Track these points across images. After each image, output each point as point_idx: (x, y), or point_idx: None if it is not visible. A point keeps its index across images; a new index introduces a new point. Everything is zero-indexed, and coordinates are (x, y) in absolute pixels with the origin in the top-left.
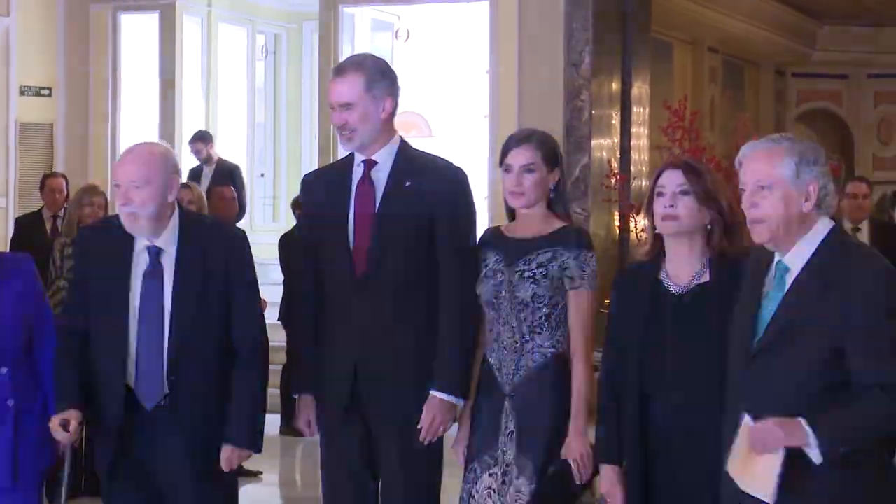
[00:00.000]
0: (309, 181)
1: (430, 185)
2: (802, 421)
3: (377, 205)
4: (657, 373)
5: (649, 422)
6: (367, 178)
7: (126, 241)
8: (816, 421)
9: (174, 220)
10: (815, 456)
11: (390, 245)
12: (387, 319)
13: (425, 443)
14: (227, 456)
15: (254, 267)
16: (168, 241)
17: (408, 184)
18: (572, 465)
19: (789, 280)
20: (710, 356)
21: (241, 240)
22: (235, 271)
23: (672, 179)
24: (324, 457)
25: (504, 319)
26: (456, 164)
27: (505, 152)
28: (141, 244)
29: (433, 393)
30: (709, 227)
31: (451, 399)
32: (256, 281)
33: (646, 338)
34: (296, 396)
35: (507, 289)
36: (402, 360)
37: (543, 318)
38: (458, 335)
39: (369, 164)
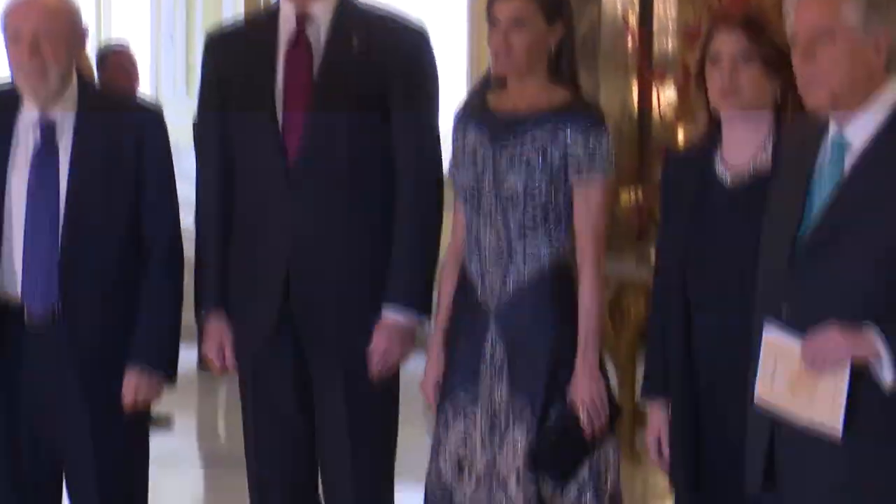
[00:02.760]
0: (215, 40)
1: (383, 44)
2: (872, 330)
3: (315, 71)
4: (704, 279)
5: (693, 341)
6: (300, 37)
7: (4, 116)
8: (888, 331)
9: (72, 90)
10: (887, 377)
11: (333, 123)
12: (330, 218)
13: (377, 376)
14: (133, 384)
15: (170, 152)
16: (65, 114)
17: (355, 42)
18: (581, 413)
19: (850, 158)
20: None
21: (158, 118)
22: (149, 155)
23: (729, 44)
24: (245, 398)
25: (486, 218)
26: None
27: (490, 1)
28: (29, 118)
29: (386, 312)
30: (779, 99)
31: (410, 318)
32: (172, 169)
33: (690, 237)
34: (203, 315)
35: (491, 177)
36: (349, 271)
37: (538, 214)
38: (417, 235)
39: (302, 19)
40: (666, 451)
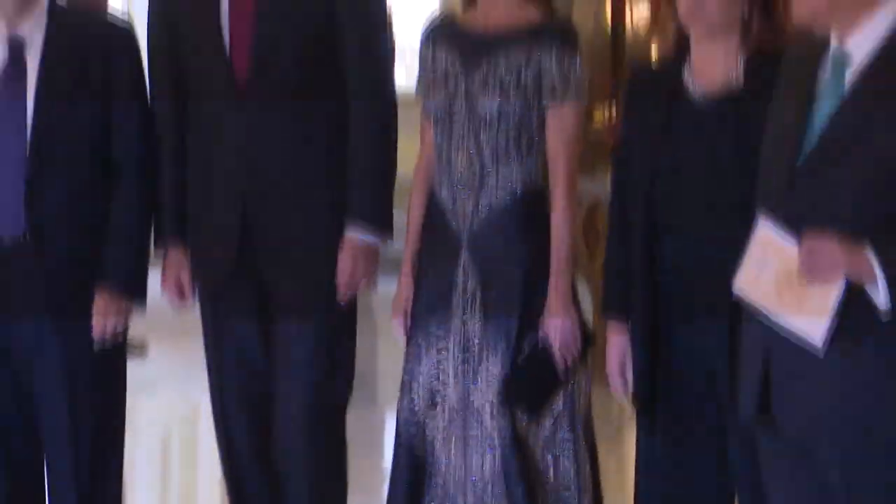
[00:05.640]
0: None
1: None
2: (868, 250)
3: None
4: (671, 198)
5: (660, 262)
6: None
7: None
8: (886, 252)
9: (41, 5)
10: (880, 299)
11: (281, 38)
12: (283, 138)
13: (345, 298)
14: (102, 308)
15: (143, 70)
16: (34, 32)
17: None
18: (554, 347)
19: (851, 73)
20: (738, 179)
21: (128, 35)
22: (118, 72)
23: None
24: (206, 339)
25: (458, 141)
26: None
27: None
28: None
29: (350, 233)
30: (745, 16)
31: (373, 239)
32: (144, 87)
33: (658, 155)
34: (160, 250)
35: (464, 99)
36: (308, 191)
37: (511, 141)
38: (373, 154)
39: None
40: (628, 374)
